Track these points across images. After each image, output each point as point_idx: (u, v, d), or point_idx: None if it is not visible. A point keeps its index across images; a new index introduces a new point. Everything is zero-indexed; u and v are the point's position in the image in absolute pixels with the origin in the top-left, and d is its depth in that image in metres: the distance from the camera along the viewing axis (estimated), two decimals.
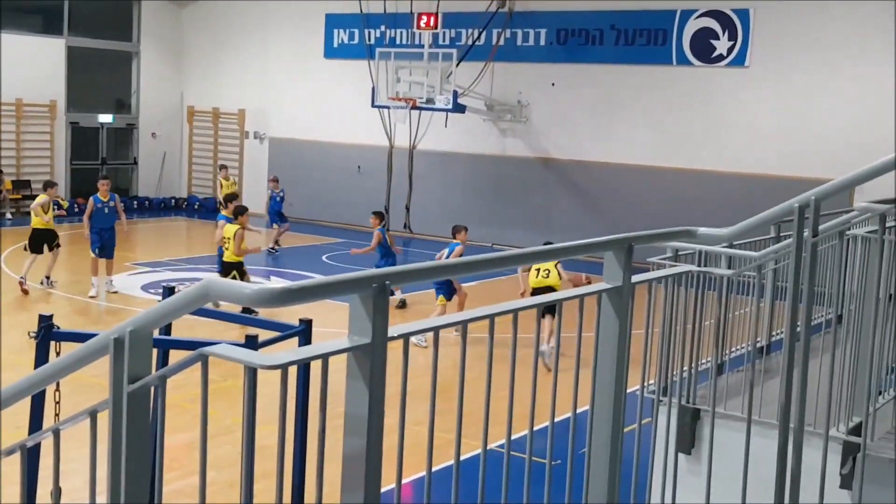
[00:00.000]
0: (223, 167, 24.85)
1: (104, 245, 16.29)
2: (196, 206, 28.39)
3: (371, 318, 2.46)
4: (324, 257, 20.97)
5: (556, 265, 13.24)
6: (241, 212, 15.03)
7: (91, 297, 15.78)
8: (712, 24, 20.75)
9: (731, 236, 3.81)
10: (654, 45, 21.44)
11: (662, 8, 21.24)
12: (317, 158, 26.11)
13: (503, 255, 3.01)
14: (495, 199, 23.59)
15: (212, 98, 28.61)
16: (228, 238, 14.48)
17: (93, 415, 2.74)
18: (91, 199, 16.63)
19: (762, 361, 6.84)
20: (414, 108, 22.45)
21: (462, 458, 3.04)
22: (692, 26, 20.97)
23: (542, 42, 22.94)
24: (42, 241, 16.28)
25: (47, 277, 16.40)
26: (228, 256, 14.42)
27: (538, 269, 13.42)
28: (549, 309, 15.28)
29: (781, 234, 7.41)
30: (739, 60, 20.46)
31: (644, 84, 21.59)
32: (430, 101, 21.96)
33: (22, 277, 15.81)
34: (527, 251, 3.16)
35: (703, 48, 20.85)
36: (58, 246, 16.50)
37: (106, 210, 16.43)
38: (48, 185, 17.11)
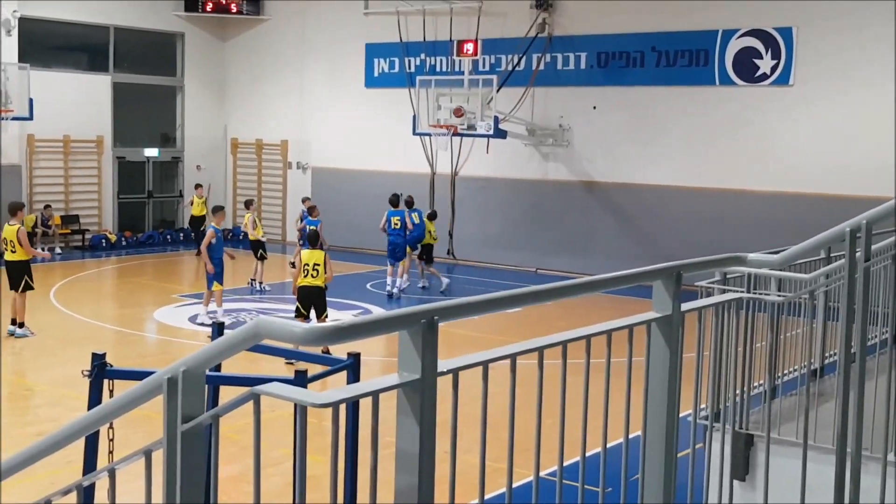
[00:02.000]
0: (198, 186, 25.81)
1: (221, 273, 16.51)
2: (241, 237, 28.67)
3: (420, 353, 2.47)
4: (368, 285, 21.04)
5: (324, 259, 13.72)
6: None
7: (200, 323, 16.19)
8: (755, 43, 20.62)
9: (781, 262, 3.78)
10: (696, 65, 21.36)
11: (704, 28, 21.16)
12: (359, 187, 26.27)
13: (556, 287, 3.00)
14: (537, 223, 23.55)
15: (255, 130, 28.96)
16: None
17: (147, 454, 2.77)
18: (211, 229, 16.64)
19: (816, 384, 6.73)
20: (455, 134, 22.53)
21: (513, 486, 3.03)
22: (734, 46, 20.86)
23: (583, 65, 22.95)
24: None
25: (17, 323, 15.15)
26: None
27: (307, 266, 13.72)
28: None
29: (832, 255, 7.30)
30: (783, 79, 20.30)
31: (686, 105, 21.49)
32: (471, 127, 22.02)
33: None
34: (580, 282, 3.14)
35: (746, 68, 20.72)
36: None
37: (222, 239, 16.92)
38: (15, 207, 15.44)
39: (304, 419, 2.30)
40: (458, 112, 21.46)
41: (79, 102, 25.86)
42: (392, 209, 19.92)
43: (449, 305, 2.60)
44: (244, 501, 7.13)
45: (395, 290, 19.58)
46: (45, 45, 25.84)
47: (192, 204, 25.67)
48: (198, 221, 25.20)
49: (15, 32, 24.19)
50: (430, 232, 20.08)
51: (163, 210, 28.81)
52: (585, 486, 3.33)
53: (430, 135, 23.19)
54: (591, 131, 22.82)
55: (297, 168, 28.21)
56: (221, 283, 16.45)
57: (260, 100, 28.71)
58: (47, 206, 25.01)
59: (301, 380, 4.50)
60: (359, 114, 26.35)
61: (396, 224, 19.67)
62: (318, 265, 13.90)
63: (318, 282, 13.89)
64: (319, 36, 27.15)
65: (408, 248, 19.91)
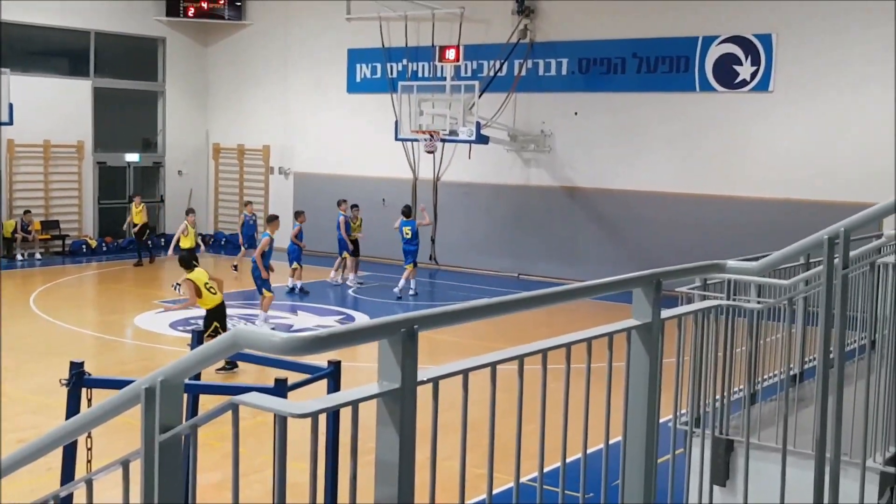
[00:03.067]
0: (137, 194, 25.30)
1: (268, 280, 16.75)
2: (223, 242, 28.58)
3: (400, 363, 2.46)
4: (350, 291, 21.01)
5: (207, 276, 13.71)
6: None
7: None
8: (735, 49, 20.74)
9: (760, 269, 3.79)
10: (677, 72, 21.46)
11: (684, 34, 21.27)
12: (342, 192, 26.17)
13: (536, 295, 3.00)
14: (520, 228, 23.58)
15: (237, 135, 28.88)
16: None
17: (125, 465, 2.75)
18: (266, 236, 16.94)
19: (795, 390, 6.76)
20: (437, 140, 22.53)
21: (494, 492, 3.03)
22: (714, 52, 20.97)
23: (564, 72, 23.02)
24: None
25: None
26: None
27: (206, 284, 13.62)
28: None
29: (811, 261, 7.34)
30: (763, 86, 20.42)
31: (667, 111, 21.58)
32: (453, 132, 22.03)
33: None
34: (560, 290, 3.14)
35: (726, 74, 20.83)
36: None
37: (273, 247, 16.96)
38: None
39: (284, 429, 2.29)
40: (430, 146, 21.85)
41: (59, 107, 25.72)
42: (404, 219, 20.63)
43: (429, 314, 2.59)
44: None
45: (396, 290, 20.34)
46: (25, 49, 25.69)
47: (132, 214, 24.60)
48: (142, 229, 24.41)
49: None
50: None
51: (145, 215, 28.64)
52: (566, 492, 3.34)
53: (412, 140, 23.18)
54: (572, 137, 22.88)
55: (280, 173, 28.14)
56: (271, 291, 16.51)
57: (242, 105, 28.64)
58: (27, 212, 24.86)
59: (281, 388, 4.48)
60: (341, 119, 26.34)
61: (408, 233, 20.48)
62: (212, 281, 13.85)
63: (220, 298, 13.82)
64: (301, 41, 27.12)
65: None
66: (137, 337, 16.23)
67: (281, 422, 2.27)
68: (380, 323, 2.47)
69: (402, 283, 20.27)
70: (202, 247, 21.68)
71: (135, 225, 24.40)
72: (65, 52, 27.02)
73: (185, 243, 20.38)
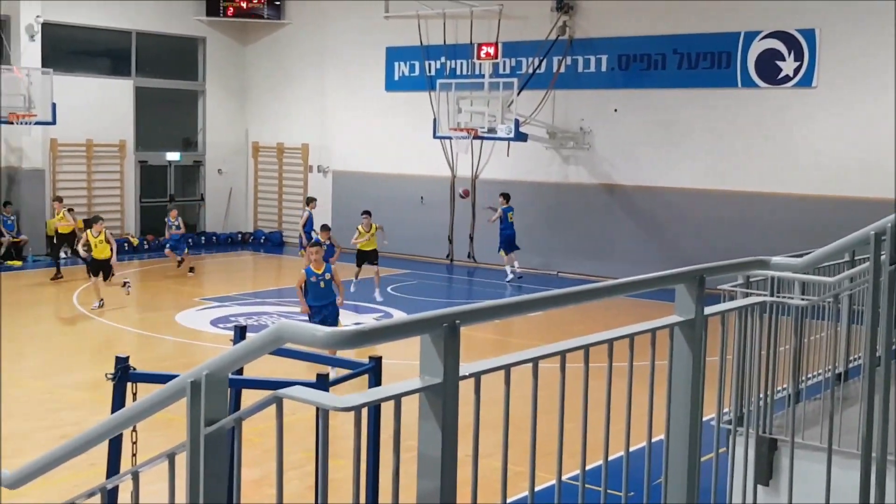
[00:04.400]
0: (57, 199, 22.84)
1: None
2: (262, 241, 28.80)
3: (443, 358, 2.47)
4: (389, 288, 21.07)
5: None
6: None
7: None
8: (778, 45, 20.51)
9: (805, 266, 3.75)
10: (719, 67, 21.27)
11: (726, 30, 21.07)
12: (380, 190, 26.30)
13: (579, 290, 3.00)
14: (558, 226, 23.50)
15: (276, 133, 29.07)
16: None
17: (171, 457, 2.78)
18: (303, 271, 13.56)
19: (840, 388, 6.68)
20: (475, 137, 22.52)
21: (535, 490, 3.02)
22: (757, 48, 20.75)
23: (604, 68, 22.90)
24: None
25: None
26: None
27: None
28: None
29: (856, 258, 7.25)
30: (806, 81, 20.17)
31: (708, 108, 21.40)
32: (491, 130, 22.01)
33: None
34: (604, 286, 3.13)
35: (769, 70, 20.60)
36: None
37: (321, 284, 13.36)
38: None
39: (326, 423, 2.31)
40: (464, 193, 23.55)
41: (101, 107, 26.04)
42: (506, 205, 21.88)
43: (471, 309, 2.60)
44: None
45: (511, 276, 21.68)
46: (68, 49, 26.04)
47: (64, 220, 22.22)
48: (65, 239, 22.19)
49: (38, 38, 24.38)
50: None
51: (185, 214, 28.94)
52: (608, 491, 3.33)
53: (450, 138, 23.18)
54: (612, 134, 22.76)
55: (318, 171, 28.28)
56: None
57: (281, 103, 28.82)
58: (70, 210, 25.20)
59: (322, 383, 4.52)
60: (379, 117, 26.41)
61: (511, 218, 21.80)
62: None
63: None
64: (340, 39, 27.22)
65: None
66: (178, 334, 16.38)
67: (324, 416, 2.28)
68: (422, 318, 2.48)
69: (512, 268, 21.68)
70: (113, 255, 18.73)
71: (57, 234, 22.24)
72: (107, 52, 27.35)
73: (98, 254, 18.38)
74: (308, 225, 22.23)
